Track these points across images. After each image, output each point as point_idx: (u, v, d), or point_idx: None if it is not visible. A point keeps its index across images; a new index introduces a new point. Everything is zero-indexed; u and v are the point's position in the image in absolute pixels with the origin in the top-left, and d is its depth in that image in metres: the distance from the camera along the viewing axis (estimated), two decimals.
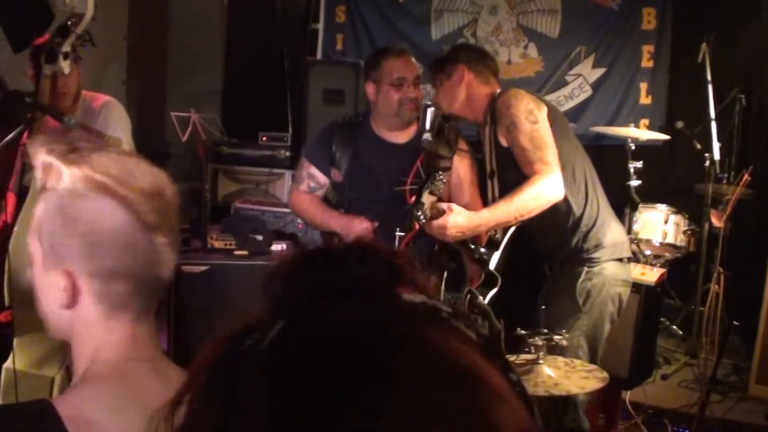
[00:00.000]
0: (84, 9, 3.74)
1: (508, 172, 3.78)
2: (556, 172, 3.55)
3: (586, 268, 3.79)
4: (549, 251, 3.99)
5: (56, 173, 1.53)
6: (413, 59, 4.20)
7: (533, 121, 3.67)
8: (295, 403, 0.66)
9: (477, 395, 0.69)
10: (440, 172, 3.43)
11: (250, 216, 6.67)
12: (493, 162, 3.90)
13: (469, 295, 3.20)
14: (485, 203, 3.96)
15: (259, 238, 5.66)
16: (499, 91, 3.95)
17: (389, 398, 0.66)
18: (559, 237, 3.85)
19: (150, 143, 7.99)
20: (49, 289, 1.57)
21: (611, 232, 3.86)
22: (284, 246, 5.88)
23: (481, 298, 3.17)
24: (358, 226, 3.96)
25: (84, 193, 1.52)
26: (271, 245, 5.75)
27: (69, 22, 3.79)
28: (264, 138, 7.75)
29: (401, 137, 4.14)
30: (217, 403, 0.71)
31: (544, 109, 3.76)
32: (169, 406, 0.75)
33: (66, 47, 3.90)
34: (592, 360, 3.75)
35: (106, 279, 1.55)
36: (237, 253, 5.63)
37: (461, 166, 4.14)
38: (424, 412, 0.66)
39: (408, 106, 4.03)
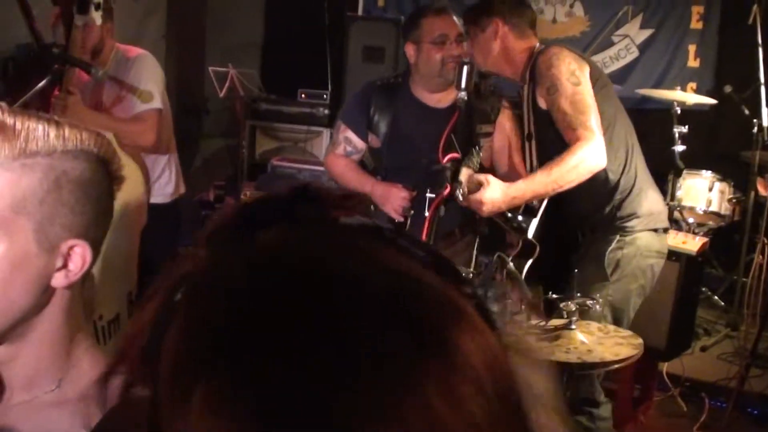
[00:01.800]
0: None
1: (547, 135, 3.64)
2: (599, 139, 3.39)
3: (618, 237, 3.65)
4: (582, 217, 3.84)
5: None
6: (455, 17, 4.06)
7: (575, 82, 3.50)
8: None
9: (436, 315, 0.62)
10: (478, 147, 3.31)
11: (285, 174, 6.61)
12: (531, 124, 3.77)
13: (500, 260, 3.09)
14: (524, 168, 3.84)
15: None
16: (538, 46, 3.78)
17: (332, 337, 0.58)
18: (593, 203, 3.70)
19: (188, 98, 7.98)
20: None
21: (648, 201, 3.71)
22: None
23: (511, 263, 3.06)
24: (397, 195, 3.84)
25: None
26: None
27: None
28: (303, 95, 7.68)
29: (443, 100, 3.99)
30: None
31: (587, 69, 3.59)
32: (104, 373, 0.69)
33: None
34: None
35: None
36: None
37: (504, 131, 4.01)
38: (372, 346, 0.58)
39: (451, 65, 3.84)
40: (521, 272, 3.56)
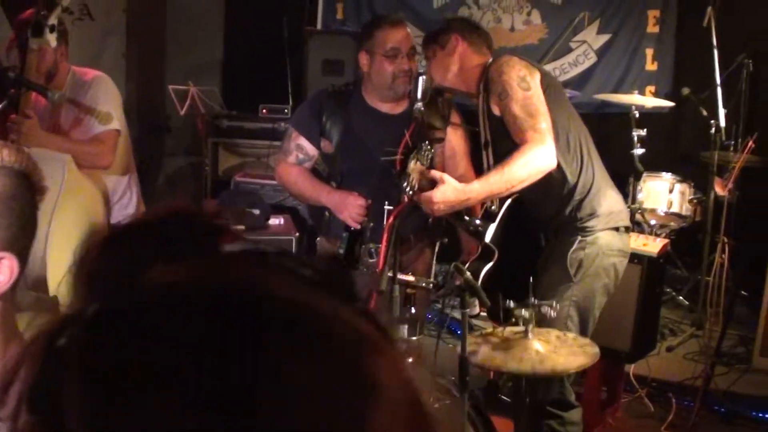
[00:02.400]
0: None
1: (502, 142, 3.66)
2: (548, 141, 3.44)
3: (579, 237, 3.68)
4: (544, 221, 3.88)
5: None
6: (408, 30, 4.09)
7: (525, 88, 3.56)
8: (115, 393, 0.58)
9: (333, 343, 0.62)
10: (428, 142, 3.32)
11: (246, 190, 6.61)
12: (487, 132, 3.80)
13: (456, 269, 3.10)
14: (480, 175, 3.86)
15: (256, 212, 5.61)
16: (491, 60, 3.85)
17: (234, 379, 0.58)
18: (553, 206, 3.74)
19: (149, 117, 7.96)
20: None
21: (607, 201, 3.74)
22: (281, 220, 5.82)
23: (468, 273, 3.06)
24: (353, 203, 3.84)
25: None
26: (268, 219, 5.69)
27: None
28: (264, 110, 7.66)
29: (395, 108, 4.03)
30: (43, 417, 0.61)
31: (537, 76, 3.64)
32: None
33: (52, 20, 3.80)
34: (583, 331, 3.66)
35: None
36: (234, 228, 5.56)
37: (454, 138, 4.05)
38: (273, 381, 0.58)
39: (402, 79, 3.90)
40: (478, 277, 3.58)
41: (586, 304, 3.70)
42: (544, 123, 3.47)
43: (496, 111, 3.65)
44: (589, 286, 3.68)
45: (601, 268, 3.70)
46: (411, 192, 3.21)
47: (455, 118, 4.04)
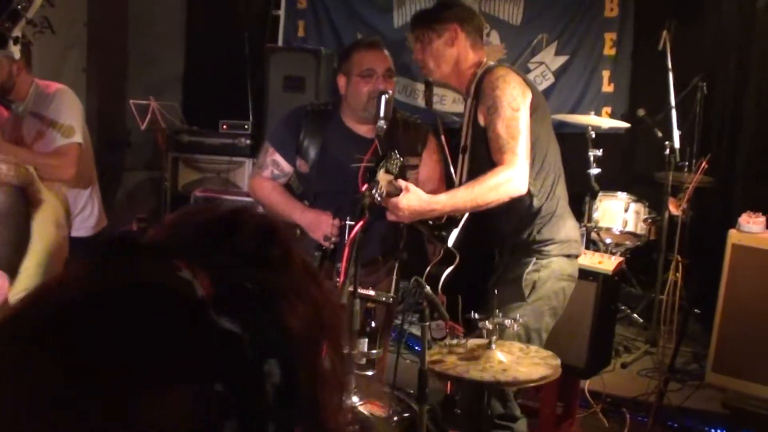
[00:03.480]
0: None
1: (479, 151, 3.70)
2: (522, 166, 3.48)
3: (535, 259, 3.73)
4: (502, 237, 3.90)
5: None
6: (385, 52, 4.09)
7: (515, 108, 3.57)
8: None
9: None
10: (396, 152, 3.34)
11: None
12: (468, 138, 3.81)
13: (416, 283, 3.14)
14: (450, 180, 3.89)
15: None
16: (486, 62, 3.83)
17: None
18: (515, 226, 3.78)
19: (110, 131, 7.93)
20: None
21: (565, 229, 3.81)
22: None
23: (428, 288, 3.10)
24: (327, 223, 3.84)
25: None
26: None
27: (19, 6, 3.70)
28: (224, 126, 7.69)
29: (372, 131, 3.99)
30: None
31: (529, 97, 3.65)
32: None
33: (17, 32, 3.81)
34: None
35: None
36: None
37: (430, 163, 4.10)
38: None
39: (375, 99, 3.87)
40: (439, 279, 3.63)
41: (535, 325, 3.74)
42: (522, 147, 3.51)
43: (481, 121, 3.67)
44: (539, 308, 3.73)
45: (552, 292, 3.75)
46: (379, 198, 3.24)
47: (432, 142, 4.11)
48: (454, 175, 3.95)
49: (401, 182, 3.40)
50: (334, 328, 0.80)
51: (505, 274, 3.82)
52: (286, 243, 0.79)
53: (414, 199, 3.40)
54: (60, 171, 4.20)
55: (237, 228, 0.78)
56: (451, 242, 3.69)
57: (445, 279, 3.66)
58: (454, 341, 3.24)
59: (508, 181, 3.46)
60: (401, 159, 3.38)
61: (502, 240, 3.91)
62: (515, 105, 3.57)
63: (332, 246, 3.76)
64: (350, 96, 4.00)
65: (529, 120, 3.60)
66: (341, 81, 4.04)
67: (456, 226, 3.68)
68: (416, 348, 4.98)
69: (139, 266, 0.74)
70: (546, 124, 3.84)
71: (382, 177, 3.27)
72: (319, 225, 3.88)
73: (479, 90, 3.70)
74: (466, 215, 3.68)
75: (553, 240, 3.76)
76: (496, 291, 3.45)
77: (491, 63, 3.84)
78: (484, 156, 3.63)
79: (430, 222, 3.67)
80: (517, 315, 3.34)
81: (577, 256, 3.92)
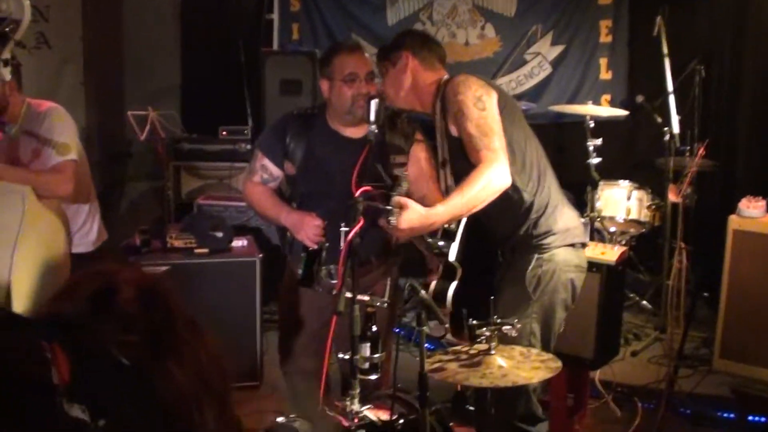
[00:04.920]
0: (21, 15, 3.62)
1: (459, 161, 3.69)
2: (502, 160, 3.46)
3: (536, 255, 3.72)
4: (501, 239, 3.90)
5: None
6: (366, 55, 4.11)
7: (481, 108, 3.57)
8: None
9: None
10: (403, 175, 3.33)
11: (209, 213, 6.61)
12: (445, 151, 3.82)
13: (411, 288, 3.13)
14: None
15: (219, 235, 5.61)
16: (446, 77, 3.86)
17: None
18: (510, 224, 3.77)
19: (110, 143, 7.95)
20: None
21: (563, 218, 3.79)
22: (245, 242, 5.83)
23: (423, 292, 3.10)
24: (310, 224, 3.88)
25: None
26: (231, 242, 5.70)
27: (7, 29, 3.69)
28: (224, 132, 7.69)
29: (357, 132, 4.03)
30: None
31: (494, 95, 3.66)
32: None
33: (6, 54, 3.80)
34: (546, 346, 3.71)
35: None
36: (197, 251, 5.57)
37: (422, 156, 4.09)
38: None
39: (360, 103, 3.89)
40: (446, 297, 3.61)
41: (547, 320, 3.74)
42: (498, 142, 3.50)
43: (453, 131, 3.68)
44: (548, 302, 3.72)
45: (559, 284, 3.74)
46: (393, 224, 3.24)
47: (419, 136, 4.10)
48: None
49: (399, 199, 3.35)
50: (219, 388, 0.80)
51: (508, 273, 3.82)
52: (167, 304, 0.79)
53: (414, 215, 3.34)
54: (57, 187, 4.20)
55: (117, 293, 0.78)
56: (452, 257, 3.65)
57: (452, 294, 3.63)
58: (457, 348, 3.25)
59: (493, 176, 3.43)
60: (406, 180, 3.38)
61: (502, 242, 3.91)
62: (480, 105, 3.58)
63: (318, 247, 3.79)
64: (334, 100, 4.02)
65: (499, 118, 3.59)
66: (324, 85, 4.06)
67: (453, 240, 3.65)
68: (429, 347, 4.98)
69: (5, 342, 0.73)
70: (518, 120, 3.82)
71: (396, 202, 3.27)
72: (303, 226, 3.91)
73: (444, 101, 3.73)
74: (462, 227, 3.67)
75: (552, 231, 3.74)
76: (497, 294, 3.45)
77: (448, 76, 3.87)
78: (464, 165, 3.60)
79: (428, 239, 3.65)
80: (517, 319, 3.33)
81: (583, 245, 3.89)
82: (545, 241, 3.73)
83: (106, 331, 0.76)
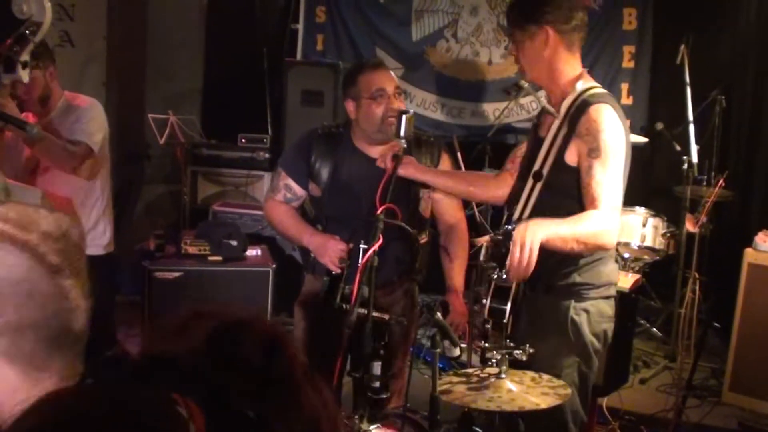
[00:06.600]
0: (42, 17, 3.65)
1: (559, 184, 3.41)
2: (617, 223, 3.28)
3: (573, 302, 3.48)
4: (540, 272, 3.33)
5: None
6: (391, 71, 4.04)
7: (618, 156, 3.30)
8: None
9: None
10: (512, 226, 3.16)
11: (224, 221, 6.62)
12: (545, 165, 3.46)
13: (427, 310, 3.12)
14: (515, 200, 3.58)
15: (234, 243, 5.62)
16: (583, 84, 3.47)
17: None
18: (557, 262, 3.45)
19: (129, 145, 7.97)
20: None
21: (606, 273, 3.56)
22: (259, 252, 5.84)
23: (438, 314, 3.08)
24: (334, 248, 3.78)
25: None
26: (245, 250, 5.71)
27: (27, 31, 3.71)
28: (243, 140, 7.72)
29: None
30: None
31: (628, 139, 3.40)
32: None
33: (24, 56, 3.83)
34: (584, 398, 3.58)
35: (12, 335, 1.39)
36: (211, 258, 5.59)
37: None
38: None
39: (391, 120, 3.76)
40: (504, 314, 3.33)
41: (586, 369, 3.58)
42: (619, 201, 3.30)
43: (572, 157, 3.38)
44: (587, 351, 3.54)
45: (594, 335, 3.54)
46: (504, 277, 3.17)
47: (445, 158, 4.06)
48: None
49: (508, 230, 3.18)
50: None
51: (541, 320, 3.56)
52: (290, 353, 0.79)
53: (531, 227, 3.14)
54: (63, 159, 4.37)
55: (242, 339, 0.78)
56: (505, 317, 3.33)
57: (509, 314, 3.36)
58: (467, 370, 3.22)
59: (607, 233, 3.24)
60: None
61: (538, 275, 3.37)
62: (620, 153, 3.31)
63: (341, 271, 3.71)
64: (362, 119, 3.92)
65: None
66: (350, 106, 3.95)
67: (507, 300, 3.33)
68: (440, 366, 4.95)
69: (137, 394, 0.74)
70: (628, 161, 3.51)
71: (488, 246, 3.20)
72: (327, 250, 3.82)
73: (575, 121, 3.35)
74: (513, 289, 3.34)
75: (594, 285, 3.51)
76: (539, 340, 3.29)
77: (589, 87, 3.47)
78: (565, 191, 3.37)
79: (484, 300, 3.39)
80: (567, 366, 3.25)
81: (615, 297, 3.67)
82: (584, 292, 3.52)
83: (231, 381, 0.76)
